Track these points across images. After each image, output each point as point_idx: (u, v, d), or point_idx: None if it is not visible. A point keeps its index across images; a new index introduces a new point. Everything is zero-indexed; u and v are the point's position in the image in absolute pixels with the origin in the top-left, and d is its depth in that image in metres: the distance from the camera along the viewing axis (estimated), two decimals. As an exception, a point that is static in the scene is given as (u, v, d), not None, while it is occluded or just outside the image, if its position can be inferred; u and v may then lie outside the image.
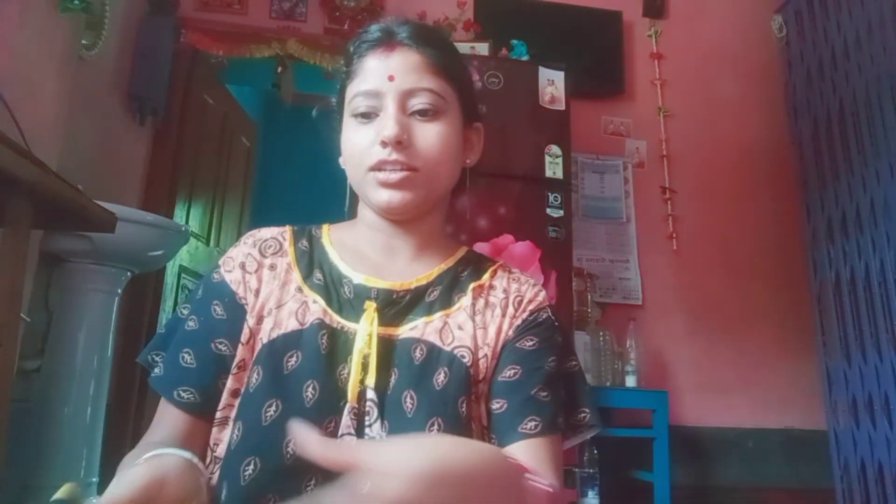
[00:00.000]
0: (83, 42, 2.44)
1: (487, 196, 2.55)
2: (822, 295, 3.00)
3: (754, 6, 3.62)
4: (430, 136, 0.74)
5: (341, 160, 0.82)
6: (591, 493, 2.45)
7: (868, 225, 2.72)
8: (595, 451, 2.51)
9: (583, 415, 0.78)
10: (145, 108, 2.95)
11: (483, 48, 2.86)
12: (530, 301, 0.80)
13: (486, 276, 0.81)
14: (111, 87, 2.83)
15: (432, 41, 0.78)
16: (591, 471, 2.47)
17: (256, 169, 4.22)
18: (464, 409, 0.69)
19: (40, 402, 2.03)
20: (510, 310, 0.78)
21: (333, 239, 0.83)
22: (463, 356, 0.72)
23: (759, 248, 3.39)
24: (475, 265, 0.83)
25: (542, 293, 0.82)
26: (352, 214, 0.87)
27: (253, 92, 4.52)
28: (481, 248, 2.42)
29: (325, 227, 0.86)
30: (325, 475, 0.55)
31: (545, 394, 0.73)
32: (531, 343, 0.76)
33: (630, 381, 2.80)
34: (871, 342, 2.65)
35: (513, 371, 0.74)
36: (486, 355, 0.75)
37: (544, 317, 0.79)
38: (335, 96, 0.82)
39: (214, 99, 3.54)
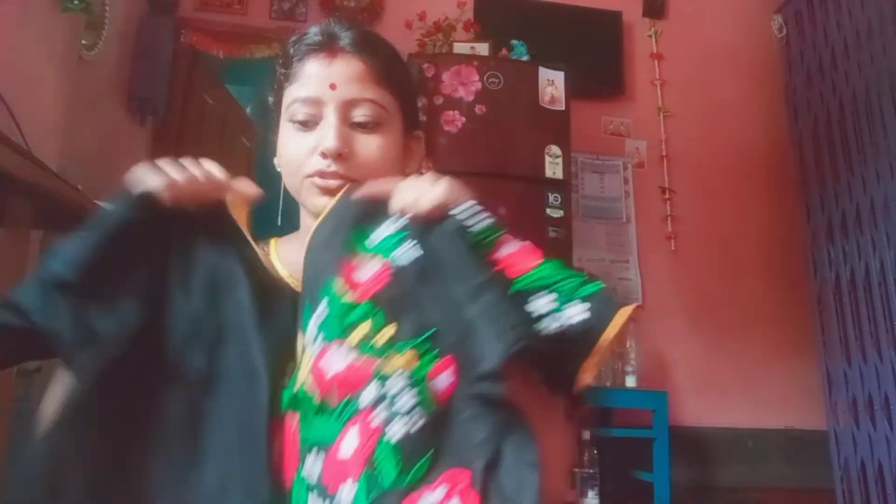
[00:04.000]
0: (83, 42, 2.44)
1: (487, 196, 2.52)
2: (822, 295, 3.00)
3: (754, 6, 3.62)
4: (370, 148, 0.73)
5: (276, 161, 0.82)
6: (591, 493, 2.45)
7: (868, 225, 2.71)
8: (595, 451, 2.51)
9: None
10: (145, 108, 2.96)
11: (483, 48, 2.86)
12: None
13: None
14: (111, 87, 2.83)
15: (376, 49, 0.76)
16: (591, 471, 2.47)
17: (256, 169, 4.21)
18: None
19: (40, 402, 2.03)
20: None
21: (280, 254, 0.82)
22: None
23: (759, 248, 3.39)
24: None
25: None
26: (284, 218, 0.87)
27: (253, 92, 4.51)
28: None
29: (273, 241, 0.85)
30: None
31: None
32: None
33: (630, 382, 2.80)
34: (871, 342, 2.65)
35: None
36: None
37: None
38: (271, 95, 0.81)
39: (214, 99, 3.54)
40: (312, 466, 0.55)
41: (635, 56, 3.57)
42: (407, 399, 0.55)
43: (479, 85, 2.63)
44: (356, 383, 0.56)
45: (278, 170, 0.81)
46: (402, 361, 0.57)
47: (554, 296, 0.59)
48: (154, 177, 0.64)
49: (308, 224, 0.80)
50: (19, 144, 1.51)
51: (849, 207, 2.84)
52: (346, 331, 0.59)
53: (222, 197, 0.67)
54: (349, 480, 0.53)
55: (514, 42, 2.90)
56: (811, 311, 3.08)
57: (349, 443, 0.55)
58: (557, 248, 2.56)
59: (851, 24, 2.90)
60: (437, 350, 0.58)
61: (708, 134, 3.50)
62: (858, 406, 2.72)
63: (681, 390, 3.10)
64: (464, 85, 2.62)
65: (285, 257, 0.83)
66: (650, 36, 3.60)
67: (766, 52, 3.56)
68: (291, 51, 0.76)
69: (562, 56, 2.86)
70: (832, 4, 3.04)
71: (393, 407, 0.55)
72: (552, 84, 2.72)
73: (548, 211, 2.58)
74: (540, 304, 0.58)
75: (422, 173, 0.83)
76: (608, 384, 2.80)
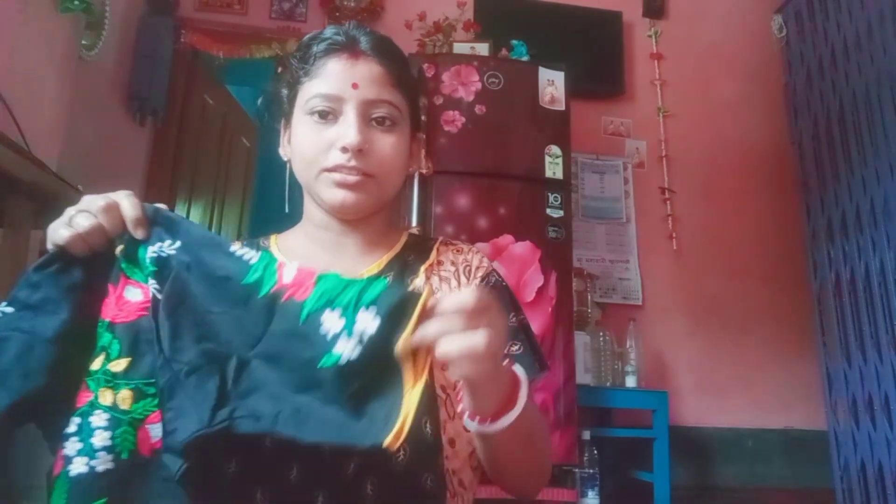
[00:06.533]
0: (83, 42, 2.44)
1: (487, 196, 2.54)
2: (822, 295, 3.00)
3: (754, 6, 3.62)
4: (386, 146, 0.77)
5: (283, 150, 0.84)
6: (591, 493, 2.45)
7: (868, 225, 2.71)
8: (595, 451, 2.51)
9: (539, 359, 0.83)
10: (145, 108, 2.96)
11: (483, 48, 2.85)
12: (477, 268, 0.85)
13: (433, 254, 0.86)
14: (111, 87, 2.83)
15: (392, 54, 0.81)
16: (591, 471, 2.47)
17: (256, 169, 4.22)
18: (427, 377, 0.71)
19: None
20: (462, 279, 0.83)
21: (282, 247, 0.85)
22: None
23: (759, 248, 3.39)
24: (420, 247, 0.87)
25: (485, 258, 0.88)
26: (291, 209, 0.88)
27: (253, 92, 4.52)
28: (481, 248, 2.42)
29: (273, 236, 0.88)
30: (307, 466, 0.62)
31: (517, 346, 0.79)
32: None
33: (630, 382, 2.80)
34: (871, 342, 2.65)
35: None
36: None
37: (494, 280, 0.85)
38: (284, 88, 0.83)
39: (214, 99, 3.54)
40: None
41: (635, 56, 3.57)
42: (100, 438, 0.54)
43: (479, 85, 2.63)
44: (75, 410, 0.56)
45: (285, 159, 0.84)
46: (112, 398, 0.55)
47: (338, 312, 0.54)
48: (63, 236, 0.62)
49: (314, 216, 0.83)
50: (19, 144, 1.51)
51: (849, 207, 2.84)
52: (94, 355, 0.58)
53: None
54: None
55: (514, 42, 2.90)
56: (811, 311, 3.08)
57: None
58: (557, 248, 2.56)
59: (851, 24, 2.90)
60: (158, 399, 0.56)
61: (708, 134, 3.50)
62: (858, 406, 2.72)
63: (681, 390, 3.10)
64: (464, 85, 2.62)
65: (287, 250, 0.84)
66: (650, 36, 3.60)
67: (766, 52, 3.56)
68: (314, 48, 0.78)
69: (562, 56, 2.86)
70: (832, 4, 3.03)
71: (86, 442, 0.54)
72: (552, 84, 2.72)
73: (548, 211, 2.58)
74: (330, 325, 0.54)
75: (423, 173, 0.85)
76: (608, 384, 2.80)
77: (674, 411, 2.84)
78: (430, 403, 0.70)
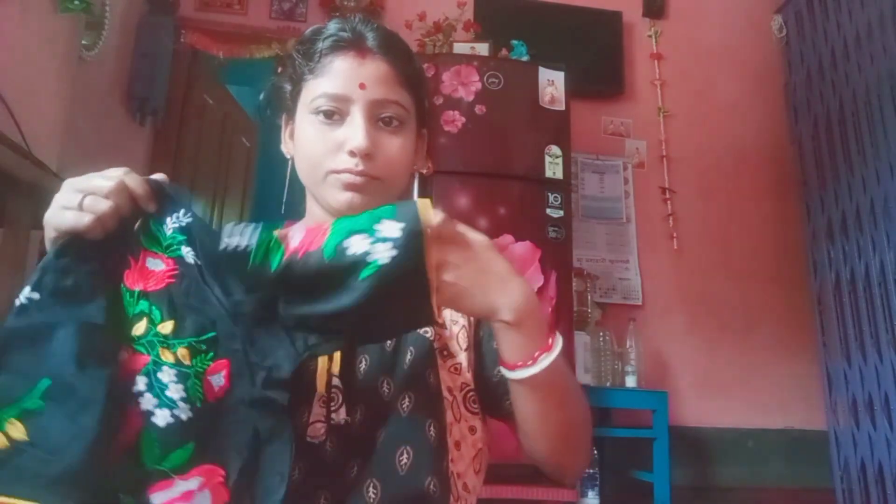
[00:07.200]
0: (83, 42, 2.44)
1: (487, 196, 2.54)
2: (822, 295, 3.00)
3: (754, 6, 3.62)
4: (393, 148, 0.76)
5: (284, 147, 0.83)
6: (591, 493, 2.45)
7: (868, 225, 2.72)
8: (595, 451, 2.51)
9: None
10: (145, 108, 2.96)
11: (483, 48, 2.85)
12: None
13: None
14: (111, 87, 2.83)
15: (399, 51, 0.79)
16: (591, 471, 2.47)
17: (256, 169, 4.22)
18: (432, 380, 0.71)
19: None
20: None
21: None
22: (426, 332, 0.74)
23: (759, 248, 3.39)
24: None
25: None
26: (289, 210, 0.86)
27: (253, 92, 4.51)
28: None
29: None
30: (309, 466, 0.63)
31: None
32: None
33: (630, 382, 2.80)
34: (871, 342, 2.65)
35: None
36: (463, 326, 0.78)
37: None
38: (287, 83, 0.81)
39: (214, 99, 3.54)
40: None
41: (635, 56, 3.57)
42: (174, 391, 0.57)
43: (479, 85, 2.63)
44: (130, 373, 0.58)
45: (287, 156, 0.82)
46: (172, 356, 0.59)
47: (362, 234, 0.58)
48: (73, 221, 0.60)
49: (318, 215, 0.80)
50: (19, 144, 1.52)
51: (849, 207, 2.84)
52: (131, 322, 0.60)
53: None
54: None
55: (514, 42, 2.89)
56: (811, 311, 3.08)
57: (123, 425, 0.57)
58: (557, 248, 2.56)
59: (851, 24, 2.91)
60: (212, 353, 0.60)
61: (708, 134, 3.50)
62: (858, 406, 2.72)
63: (681, 390, 3.10)
64: (464, 85, 2.62)
65: None
66: (650, 36, 3.60)
67: (766, 52, 3.56)
68: (319, 44, 0.76)
69: (562, 56, 2.86)
70: (832, 4, 3.04)
71: (161, 396, 0.57)
72: (552, 84, 2.72)
73: (548, 211, 2.58)
74: (357, 246, 0.57)
75: (423, 172, 0.84)
76: (608, 384, 2.80)
77: (674, 411, 2.83)
78: (435, 406, 0.70)
